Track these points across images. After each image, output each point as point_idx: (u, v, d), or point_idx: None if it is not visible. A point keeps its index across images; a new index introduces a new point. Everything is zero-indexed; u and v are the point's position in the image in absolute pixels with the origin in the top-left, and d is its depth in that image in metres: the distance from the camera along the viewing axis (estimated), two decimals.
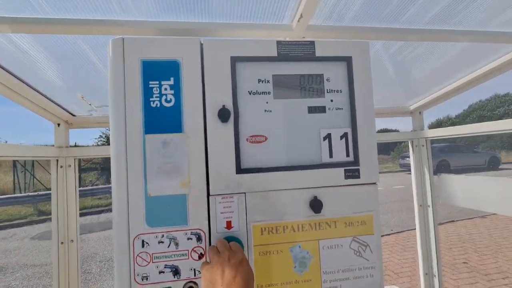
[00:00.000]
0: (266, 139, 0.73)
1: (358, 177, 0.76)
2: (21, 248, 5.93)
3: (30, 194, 9.75)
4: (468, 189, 1.86)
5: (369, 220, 0.76)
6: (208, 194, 0.70)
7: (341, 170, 0.75)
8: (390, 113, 2.14)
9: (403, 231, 5.61)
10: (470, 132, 1.71)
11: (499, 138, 22.16)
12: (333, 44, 0.78)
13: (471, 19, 1.15)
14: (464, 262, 4.09)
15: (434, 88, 1.84)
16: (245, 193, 0.71)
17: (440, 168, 13.90)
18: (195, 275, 0.68)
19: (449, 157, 14.40)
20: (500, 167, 14.84)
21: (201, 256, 0.69)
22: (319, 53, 0.77)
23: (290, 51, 0.75)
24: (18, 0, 0.86)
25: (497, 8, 1.11)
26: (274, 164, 0.73)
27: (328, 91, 0.77)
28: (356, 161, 0.76)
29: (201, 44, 0.73)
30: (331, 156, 0.75)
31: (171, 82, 0.70)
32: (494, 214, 6.59)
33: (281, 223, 0.72)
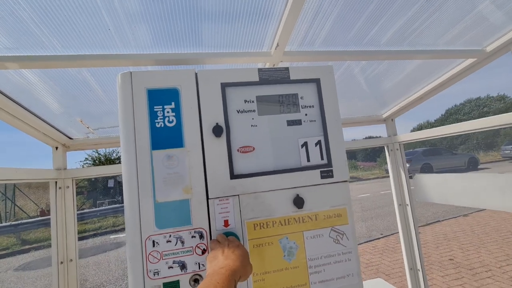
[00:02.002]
0: (254, 149, 0.88)
1: (332, 176, 0.91)
2: (5, 280, 5.65)
3: (12, 223, 9.32)
4: (438, 186, 2.06)
5: (344, 212, 0.91)
6: (208, 198, 0.83)
7: (317, 172, 0.90)
8: (366, 122, 2.36)
9: (392, 234, 5.80)
10: (438, 134, 1.93)
11: (475, 140, 23.35)
12: (304, 69, 0.95)
13: (421, 40, 1.38)
14: (450, 259, 4.28)
15: (401, 98, 2.08)
16: (238, 195, 0.85)
17: (424, 170, 14.44)
18: (199, 268, 0.80)
19: (431, 160, 15.02)
20: (479, 167, 15.56)
21: (204, 251, 0.80)
22: (293, 76, 0.94)
23: (269, 76, 0.92)
24: (31, 39, 0.99)
25: (438, 31, 1.34)
26: (261, 169, 0.87)
27: (303, 107, 0.93)
28: (329, 163, 0.91)
29: (196, 74, 0.89)
30: (308, 160, 0.91)
31: (172, 106, 0.84)
32: (476, 212, 6.93)
33: (270, 219, 0.86)
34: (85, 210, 11.99)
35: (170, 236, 0.79)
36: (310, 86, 0.95)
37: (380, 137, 2.40)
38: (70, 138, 1.78)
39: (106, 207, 11.88)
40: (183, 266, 0.79)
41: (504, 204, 1.60)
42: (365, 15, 1.22)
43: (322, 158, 0.92)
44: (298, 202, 0.87)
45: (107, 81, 1.29)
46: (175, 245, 0.79)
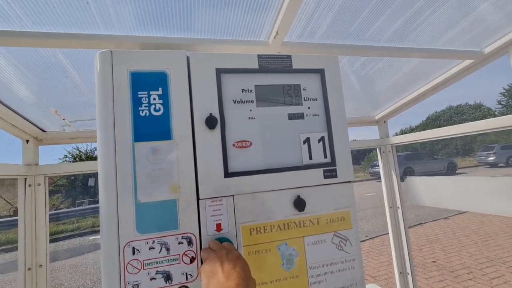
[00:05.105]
0: (251, 144, 0.78)
1: (335, 176, 0.83)
2: None
3: None
4: (430, 189, 2.04)
5: (347, 215, 0.83)
6: (198, 198, 0.73)
7: (320, 171, 0.82)
8: (358, 123, 2.32)
9: (377, 236, 5.86)
10: (429, 137, 1.92)
11: (454, 146, 24.35)
12: (307, 58, 0.87)
13: (420, 38, 1.34)
14: (433, 261, 4.36)
15: (395, 99, 2.05)
16: (233, 195, 0.75)
17: (406, 174, 14.86)
18: (187, 279, 0.69)
19: (413, 164, 15.48)
20: (457, 171, 16.20)
21: (192, 259, 0.70)
22: (295, 65, 0.85)
23: (270, 64, 0.83)
24: None
25: (440, 30, 1.30)
26: (259, 167, 0.78)
27: (305, 99, 0.85)
28: (333, 162, 0.83)
29: (188, 57, 0.78)
30: (310, 158, 0.82)
31: (160, 92, 0.73)
32: (456, 215, 7.14)
33: (268, 222, 0.77)
34: (62, 210, 11.43)
35: (153, 242, 0.68)
36: (314, 77, 0.87)
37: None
38: (44, 131, 1.62)
39: (86, 207, 11.38)
40: (168, 277, 0.68)
41: (496, 207, 1.59)
42: (367, 10, 1.17)
43: (325, 156, 0.84)
44: (299, 204, 0.78)
45: (85, 66, 1.16)
46: (159, 252, 0.68)
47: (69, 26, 0.94)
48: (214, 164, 0.74)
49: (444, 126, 1.84)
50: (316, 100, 0.86)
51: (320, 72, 0.87)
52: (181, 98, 0.75)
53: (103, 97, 0.70)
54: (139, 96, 0.72)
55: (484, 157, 17.22)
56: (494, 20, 1.30)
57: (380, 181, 2.24)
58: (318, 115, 0.85)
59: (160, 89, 0.73)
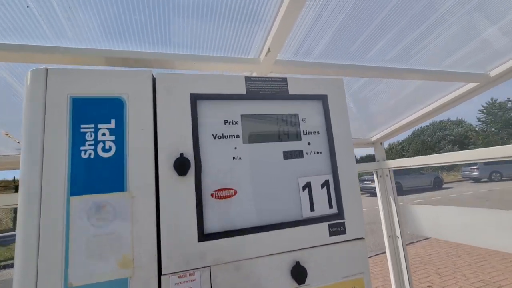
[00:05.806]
0: (235, 193, 0.59)
1: (344, 232, 0.65)
2: None
3: None
4: (431, 218, 1.91)
5: (360, 284, 0.64)
6: (160, 274, 0.52)
7: (324, 226, 0.64)
8: (354, 144, 2.19)
9: (370, 256, 5.66)
10: (426, 163, 1.81)
11: None
12: (307, 82, 0.70)
13: (424, 60, 1.23)
14: (429, 286, 4.17)
15: (392, 122, 1.94)
16: (210, 266, 0.55)
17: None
18: None
19: (401, 179, 15.56)
20: (443, 186, 16.41)
21: None
22: (292, 91, 0.68)
23: (260, 88, 0.66)
24: None
25: (445, 52, 1.20)
26: (246, 224, 0.59)
27: (305, 133, 0.68)
28: (340, 213, 0.65)
29: (154, 78, 0.60)
30: (312, 209, 0.64)
31: (112, 125, 0.54)
32: None
33: None
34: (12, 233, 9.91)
35: None
36: (315, 105, 0.70)
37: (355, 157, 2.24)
38: None
39: None
40: None
41: (504, 243, 1.45)
42: (370, 29, 1.05)
43: (330, 206, 0.65)
44: (299, 273, 0.59)
45: None
46: None
47: (7, 36, 0.75)
48: (185, 223, 0.54)
49: (428, 140, 1.75)
50: (318, 133, 0.69)
51: (323, 98, 0.70)
52: (142, 133, 0.56)
53: (29, 132, 0.50)
54: (82, 130, 0.52)
55: (468, 172, 17.58)
56: (501, 44, 1.22)
57: (371, 196, 2.09)
58: (320, 152, 0.68)
59: (112, 121, 0.54)
